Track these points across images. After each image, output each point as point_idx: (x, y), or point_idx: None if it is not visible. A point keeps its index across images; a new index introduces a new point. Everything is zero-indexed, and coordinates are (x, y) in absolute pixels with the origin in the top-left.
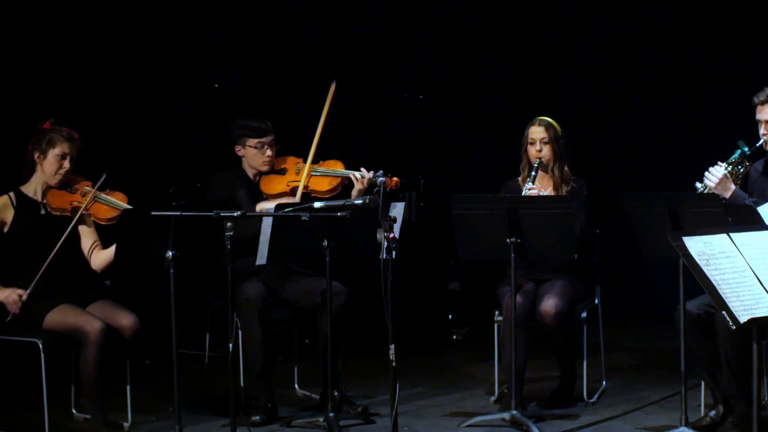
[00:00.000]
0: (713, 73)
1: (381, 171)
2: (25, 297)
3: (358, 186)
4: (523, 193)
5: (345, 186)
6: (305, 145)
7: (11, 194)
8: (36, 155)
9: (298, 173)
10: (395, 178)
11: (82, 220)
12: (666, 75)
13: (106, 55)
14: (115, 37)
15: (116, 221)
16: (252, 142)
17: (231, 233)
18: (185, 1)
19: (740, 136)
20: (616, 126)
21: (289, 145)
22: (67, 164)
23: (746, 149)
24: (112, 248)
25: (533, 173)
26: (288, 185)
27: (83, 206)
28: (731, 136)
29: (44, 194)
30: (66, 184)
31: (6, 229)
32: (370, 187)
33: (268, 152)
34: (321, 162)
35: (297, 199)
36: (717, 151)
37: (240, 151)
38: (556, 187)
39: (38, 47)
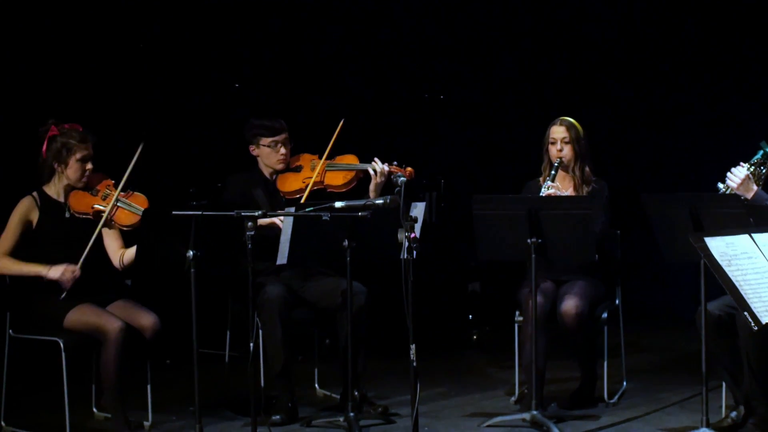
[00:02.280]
0: (736, 74)
1: (396, 162)
2: (77, 272)
3: (375, 180)
4: (542, 192)
5: (361, 180)
6: (321, 141)
7: (35, 194)
8: (55, 164)
9: (313, 170)
10: (409, 168)
11: (104, 223)
12: (688, 75)
13: (128, 55)
14: (135, 36)
15: (137, 227)
16: (265, 141)
17: (252, 233)
18: (206, 1)
19: (763, 136)
20: (638, 127)
21: (305, 141)
22: (90, 165)
23: None
24: (134, 248)
25: (553, 172)
26: (304, 182)
27: (106, 212)
28: (753, 137)
29: (66, 195)
30: (87, 184)
31: (32, 229)
32: (387, 181)
33: (282, 150)
34: (336, 157)
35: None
36: (739, 151)
37: (254, 150)
38: (576, 188)
39: (58, 47)
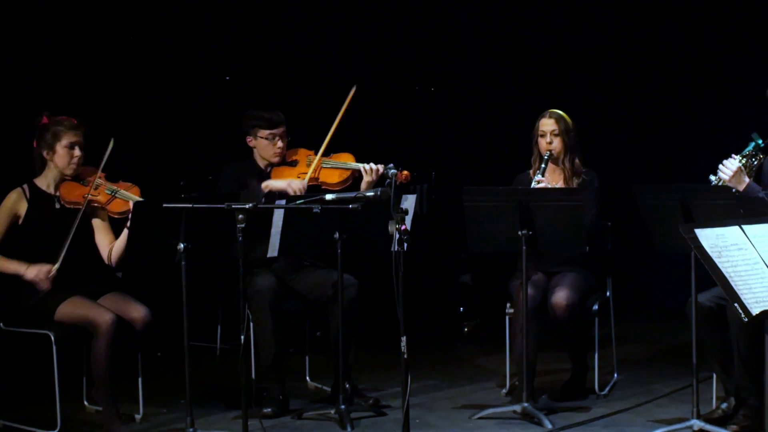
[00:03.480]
0: (727, 65)
1: (392, 164)
2: (53, 272)
3: (367, 178)
4: (532, 185)
5: (356, 179)
6: (317, 137)
7: (24, 187)
8: (44, 152)
9: (309, 165)
10: (405, 172)
11: (95, 214)
12: (679, 67)
13: (118, 48)
14: (127, 29)
15: (128, 215)
16: (263, 133)
17: (243, 225)
18: None
19: (753, 128)
20: (629, 118)
21: (302, 136)
22: (77, 152)
23: (760, 142)
24: (124, 236)
25: (543, 165)
26: (299, 177)
27: (89, 196)
28: (745, 129)
29: (57, 187)
30: (78, 176)
31: (20, 222)
32: (381, 180)
33: (279, 143)
34: (332, 155)
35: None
36: (730, 143)
37: (251, 142)
38: (566, 180)
39: (47, 39)
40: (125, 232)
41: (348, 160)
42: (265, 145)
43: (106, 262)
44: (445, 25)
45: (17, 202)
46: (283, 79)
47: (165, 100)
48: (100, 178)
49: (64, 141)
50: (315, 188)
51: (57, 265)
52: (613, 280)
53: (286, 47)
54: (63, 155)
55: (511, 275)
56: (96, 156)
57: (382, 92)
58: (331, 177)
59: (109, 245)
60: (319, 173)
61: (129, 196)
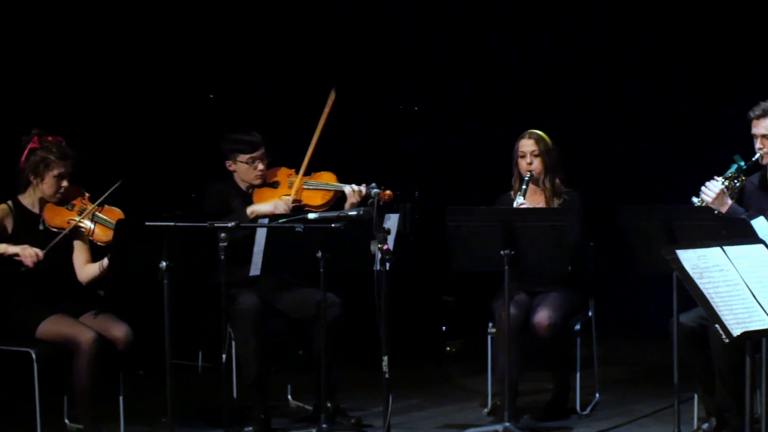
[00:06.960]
0: (709, 87)
1: (374, 183)
2: (41, 255)
3: (350, 200)
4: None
5: (338, 199)
6: (298, 154)
7: (9, 203)
8: (32, 177)
9: (290, 186)
10: (388, 191)
11: (77, 236)
12: (662, 88)
13: (103, 66)
14: (112, 47)
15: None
16: (243, 157)
17: (225, 244)
18: (181, 12)
19: (736, 150)
20: (612, 138)
21: (282, 154)
22: (65, 183)
23: (742, 164)
24: (99, 263)
25: (524, 186)
26: (281, 199)
27: (76, 223)
28: (727, 150)
29: (41, 207)
30: (63, 199)
31: (8, 234)
32: (364, 199)
33: (260, 166)
34: (313, 174)
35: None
36: (712, 165)
37: (231, 166)
38: (547, 200)
39: (32, 55)
40: (104, 260)
41: (329, 180)
42: (245, 170)
43: (80, 279)
44: (427, 44)
45: (5, 217)
46: (266, 94)
47: (149, 118)
48: (84, 203)
49: (55, 171)
50: (299, 210)
51: (45, 251)
52: (595, 300)
53: (270, 62)
54: (51, 185)
55: (494, 295)
56: (81, 172)
57: (364, 111)
58: (314, 199)
59: (86, 264)
60: (301, 194)
61: (112, 224)
